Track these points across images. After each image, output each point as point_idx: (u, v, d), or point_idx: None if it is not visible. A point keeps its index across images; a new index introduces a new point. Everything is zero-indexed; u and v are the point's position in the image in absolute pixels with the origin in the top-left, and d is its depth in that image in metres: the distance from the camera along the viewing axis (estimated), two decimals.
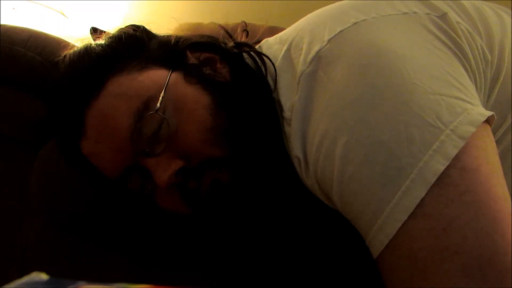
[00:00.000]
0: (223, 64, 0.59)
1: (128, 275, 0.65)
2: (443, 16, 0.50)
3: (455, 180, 0.40)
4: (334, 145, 0.45)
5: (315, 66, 0.48)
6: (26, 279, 0.29)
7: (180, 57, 0.57)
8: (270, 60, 0.56)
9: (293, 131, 0.49)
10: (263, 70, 0.56)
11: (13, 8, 1.24)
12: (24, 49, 0.68)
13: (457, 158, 0.41)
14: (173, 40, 0.59)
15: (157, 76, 0.54)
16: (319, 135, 0.46)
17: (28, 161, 0.69)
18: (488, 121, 0.45)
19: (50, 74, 0.68)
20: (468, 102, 0.44)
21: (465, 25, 0.51)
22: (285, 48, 0.54)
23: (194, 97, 0.53)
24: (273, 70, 0.55)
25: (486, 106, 0.48)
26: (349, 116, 0.44)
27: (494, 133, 0.48)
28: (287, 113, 0.51)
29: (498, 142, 0.49)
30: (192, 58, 0.58)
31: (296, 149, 0.49)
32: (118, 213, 0.67)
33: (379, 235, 0.42)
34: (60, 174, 0.67)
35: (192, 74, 0.55)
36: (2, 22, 0.87)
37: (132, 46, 0.57)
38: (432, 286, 0.39)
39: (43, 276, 0.30)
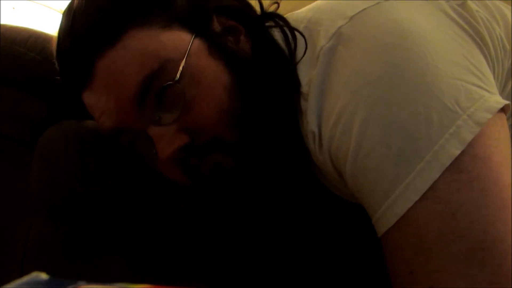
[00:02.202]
0: (247, 37, 0.56)
1: (128, 275, 0.65)
2: (463, 4, 0.50)
3: (467, 166, 0.41)
4: (352, 121, 0.45)
5: (336, 42, 0.48)
6: (26, 279, 0.29)
7: (206, 20, 0.54)
8: (303, 36, 0.53)
9: (309, 106, 0.49)
10: (293, 46, 0.54)
11: (13, 8, 1.24)
12: (24, 49, 0.68)
13: (471, 145, 0.42)
14: None
15: (179, 40, 0.51)
16: (337, 111, 0.46)
17: (28, 160, 0.69)
18: (504, 110, 0.45)
19: (50, 74, 0.68)
20: (486, 90, 0.45)
21: (484, 13, 0.51)
22: (303, 25, 0.54)
23: (215, 73, 0.51)
24: (303, 45, 0.52)
25: (501, 96, 0.49)
26: (370, 94, 0.44)
27: None
28: (304, 88, 0.50)
29: None
30: (217, 24, 0.55)
31: (311, 124, 0.49)
32: (119, 205, 0.67)
33: (388, 213, 0.43)
34: (60, 161, 0.67)
35: (215, 46, 0.52)
36: (2, 22, 0.87)
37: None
38: (434, 267, 0.40)
39: (43, 276, 0.30)
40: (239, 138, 0.52)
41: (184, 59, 0.50)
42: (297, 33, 0.54)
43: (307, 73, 0.50)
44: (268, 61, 0.54)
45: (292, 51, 0.53)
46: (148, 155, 0.53)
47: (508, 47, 0.52)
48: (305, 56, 0.51)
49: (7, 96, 0.70)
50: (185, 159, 0.52)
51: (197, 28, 0.52)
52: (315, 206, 0.62)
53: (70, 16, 0.53)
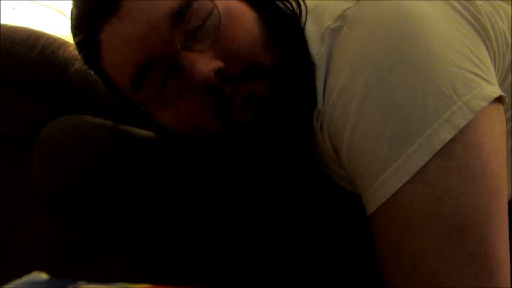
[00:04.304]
0: None
1: (128, 275, 0.65)
2: None
3: (457, 153, 0.42)
4: (350, 101, 0.46)
5: (341, 23, 0.50)
6: (26, 279, 0.29)
7: None
8: (305, 3, 0.54)
9: (317, 84, 0.50)
10: (298, 14, 0.54)
11: (13, 8, 1.24)
12: (24, 49, 0.68)
13: (463, 132, 0.43)
14: None
15: None
16: (337, 90, 0.47)
17: (28, 160, 0.69)
18: (501, 101, 0.46)
19: (50, 74, 0.68)
20: (485, 80, 0.46)
21: (488, 8, 0.52)
22: (310, 8, 0.55)
23: (242, 9, 0.52)
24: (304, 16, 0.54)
25: (500, 88, 0.49)
26: (369, 75, 0.45)
27: None
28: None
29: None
30: None
31: (318, 101, 0.50)
32: (119, 204, 0.67)
33: (378, 193, 0.44)
34: (60, 156, 0.67)
35: None
36: (2, 22, 0.87)
37: None
38: (418, 247, 0.42)
39: (43, 276, 0.30)
40: (275, 63, 0.52)
41: None
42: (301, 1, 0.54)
43: (314, 47, 0.52)
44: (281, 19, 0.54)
45: (298, 17, 0.54)
46: (178, 93, 0.51)
47: (510, 41, 0.53)
48: (311, 35, 0.52)
49: (7, 96, 0.70)
50: (220, 87, 0.50)
51: None
52: (315, 206, 0.62)
53: None
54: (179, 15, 0.49)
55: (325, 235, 0.63)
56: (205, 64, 0.48)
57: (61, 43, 0.70)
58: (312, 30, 0.53)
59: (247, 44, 0.51)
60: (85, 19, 0.52)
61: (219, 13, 0.49)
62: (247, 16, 0.52)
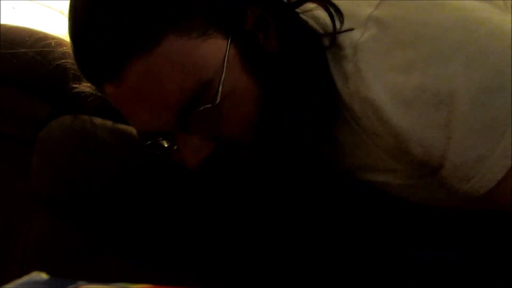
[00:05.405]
0: (275, 30, 0.53)
1: (128, 275, 0.65)
2: None
3: None
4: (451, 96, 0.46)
5: (383, 7, 0.51)
6: (26, 279, 0.29)
7: (241, 18, 0.51)
8: (339, 12, 0.53)
9: (363, 67, 0.50)
10: (340, 23, 0.53)
11: (13, 8, 1.24)
12: (24, 49, 0.68)
13: None
14: None
15: (216, 50, 0.49)
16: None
17: (28, 160, 0.69)
18: None
19: (50, 74, 0.68)
20: None
21: None
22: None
23: (246, 86, 0.50)
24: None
25: None
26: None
27: None
28: (348, 51, 0.51)
29: None
30: (250, 19, 0.51)
31: (375, 87, 0.49)
32: (119, 204, 0.67)
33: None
34: (60, 155, 0.67)
35: (248, 52, 0.50)
36: (2, 22, 0.87)
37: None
38: None
39: (43, 276, 0.30)
40: (254, 138, 0.52)
41: (222, 81, 0.48)
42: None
43: (348, 35, 0.51)
44: (298, 50, 0.53)
45: (337, 24, 0.53)
46: (171, 152, 0.53)
47: None
48: (345, 26, 0.52)
49: (7, 96, 0.70)
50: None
51: (232, 31, 0.50)
52: (315, 206, 0.62)
53: (97, 4, 0.48)
54: (186, 111, 0.48)
55: (325, 235, 0.63)
56: (195, 154, 0.50)
57: (61, 43, 0.70)
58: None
59: (239, 132, 0.51)
60: (85, 73, 0.52)
61: (221, 115, 0.49)
62: (249, 95, 0.50)
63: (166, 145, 0.53)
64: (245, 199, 0.60)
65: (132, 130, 0.68)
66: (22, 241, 0.70)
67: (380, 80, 0.48)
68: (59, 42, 0.70)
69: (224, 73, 0.48)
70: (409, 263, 0.59)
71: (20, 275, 0.30)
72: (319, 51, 0.54)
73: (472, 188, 0.47)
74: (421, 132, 0.47)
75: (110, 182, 0.67)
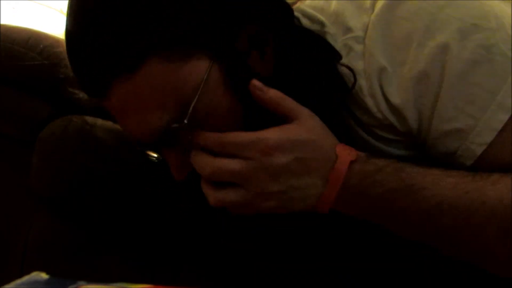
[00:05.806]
0: (273, 49, 0.53)
1: (128, 275, 0.65)
2: None
3: None
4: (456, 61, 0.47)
5: None
6: (26, 279, 0.29)
7: (231, 39, 0.50)
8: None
9: (372, 44, 0.51)
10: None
11: (13, 8, 1.24)
12: (24, 49, 0.68)
13: None
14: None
15: (197, 72, 0.49)
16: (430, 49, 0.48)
17: (28, 160, 0.69)
18: None
19: (50, 74, 0.68)
20: None
21: None
22: None
23: (229, 108, 0.50)
24: None
25: None
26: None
27: None
28: (358, 32, 0.53)
29: None
30: (243, 39, 0.51)
31: (380, 58, 0.51)
32: (119, 204, 0.67)
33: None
34: (60, 155, 0.67)
35: (234, 73, 0.50)
36: (2, 22, 0.87)
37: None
38: None
39: (43, 276, 0.30)
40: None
41: (193, 104, 0.48)
42: None
43: (359, 20, 0.53)
44: (292, 83, 0.53)
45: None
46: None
47: None
48: (350, 11, 0.54)
49: (7, 96, 0.70)
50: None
51: (217, 52, 0.49)
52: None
53: (88, 21, 0.49)
54: (165, 134, 0.50)
55: (325, 235, 0.63)
56: (179, 170, 0.53)
57: (61, 43, 0.70)
58: (350, 9, 0.54)
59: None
60: (79, 86, 0.55)
61: (192, 133, 0.50)
62: (230, 116, 0.51)
63: (155, 156, 0.56)
64: None
65: None
66: (22, 241, 0.70)
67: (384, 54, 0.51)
68: (59, 42, 0.70)
69: (198, 95, 0.49)
70: (407, 261, 0.59)
71: (20, 275, 0.30)
72: (321, 72, 0.54)
73: (458, 161, 0.49)
74: (415, 101, 0.49)
75: (110, 182, 0.67)
